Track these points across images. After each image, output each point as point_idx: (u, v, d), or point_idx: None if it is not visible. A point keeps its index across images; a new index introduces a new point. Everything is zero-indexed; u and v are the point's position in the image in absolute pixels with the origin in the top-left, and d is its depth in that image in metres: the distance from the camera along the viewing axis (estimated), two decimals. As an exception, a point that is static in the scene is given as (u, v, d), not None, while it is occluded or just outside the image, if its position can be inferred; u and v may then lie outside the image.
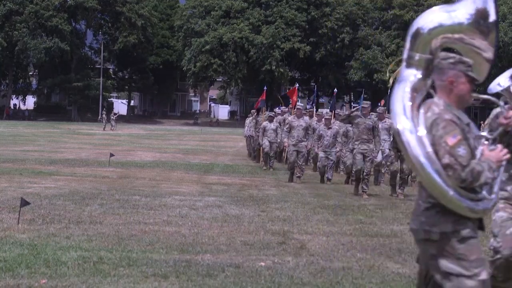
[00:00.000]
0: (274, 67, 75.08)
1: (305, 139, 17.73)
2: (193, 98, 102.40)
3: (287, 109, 24.05)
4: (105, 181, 16.20)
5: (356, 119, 14.95)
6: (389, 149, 15.42)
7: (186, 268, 7.17)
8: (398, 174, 14.94)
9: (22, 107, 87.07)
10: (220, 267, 7.26)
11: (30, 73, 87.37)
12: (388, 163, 16.72)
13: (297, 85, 31.32)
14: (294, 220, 10.78)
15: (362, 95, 25.89)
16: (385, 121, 16.92)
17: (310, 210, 12.14)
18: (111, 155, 21.57)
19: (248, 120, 26.70)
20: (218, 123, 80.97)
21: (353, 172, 15.69)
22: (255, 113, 25.24)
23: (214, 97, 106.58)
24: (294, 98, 24.98)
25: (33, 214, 10.26)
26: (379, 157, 16.76)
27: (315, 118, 20.19)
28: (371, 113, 16.85)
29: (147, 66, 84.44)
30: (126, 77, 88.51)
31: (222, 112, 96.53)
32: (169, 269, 7.10)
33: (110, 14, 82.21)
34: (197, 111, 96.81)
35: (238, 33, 76.07)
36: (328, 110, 26.10)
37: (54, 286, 6.36)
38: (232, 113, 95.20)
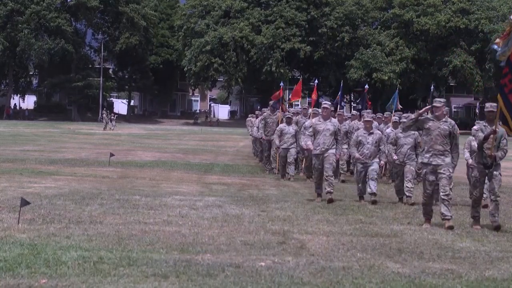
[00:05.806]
0: (274, 68, 75.06)
1: (333, 147, 14.00)
2: (193, 98, 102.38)
3: (300, 109, 21.91)
4: (105, 181, 16.20)
5: (427, 123, 10.96)
6: (471, 167, 11.70)
7: (186, 268, 7.17)
8: (490, 199, 11.04)
9: (23, 106, 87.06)
10: (220, 267, 7.25)
11: (31, 73, 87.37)
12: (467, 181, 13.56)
13: (316, 82, 30.40)
14: (294, 220, 10.78)
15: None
16: None
17: (310, 210, 12.13)
18: (111, 155, 21.58)
19: (256, 120, 24.11)
20: (218, 123, 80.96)
21: (424, 198, 11.16)
22: (271, 112, 21.08)
23: (214, 97, 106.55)
24: (298, 91, 23.62)
25: (33, 214, 10.26)
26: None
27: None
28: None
29: (147, 66, 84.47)
30: (126, 76, 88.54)
31: (222, 112, 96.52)
32: (169, 269, 7.10)
33: (111, 14, 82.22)
34: (197, 111, 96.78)
35: (238, 32, 76.07)
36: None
37: (54, 286, 6.35)
38: (232, 113, 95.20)
